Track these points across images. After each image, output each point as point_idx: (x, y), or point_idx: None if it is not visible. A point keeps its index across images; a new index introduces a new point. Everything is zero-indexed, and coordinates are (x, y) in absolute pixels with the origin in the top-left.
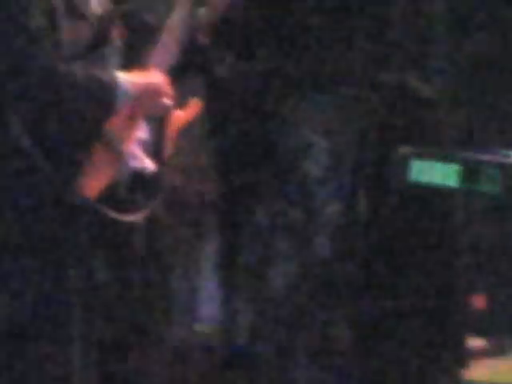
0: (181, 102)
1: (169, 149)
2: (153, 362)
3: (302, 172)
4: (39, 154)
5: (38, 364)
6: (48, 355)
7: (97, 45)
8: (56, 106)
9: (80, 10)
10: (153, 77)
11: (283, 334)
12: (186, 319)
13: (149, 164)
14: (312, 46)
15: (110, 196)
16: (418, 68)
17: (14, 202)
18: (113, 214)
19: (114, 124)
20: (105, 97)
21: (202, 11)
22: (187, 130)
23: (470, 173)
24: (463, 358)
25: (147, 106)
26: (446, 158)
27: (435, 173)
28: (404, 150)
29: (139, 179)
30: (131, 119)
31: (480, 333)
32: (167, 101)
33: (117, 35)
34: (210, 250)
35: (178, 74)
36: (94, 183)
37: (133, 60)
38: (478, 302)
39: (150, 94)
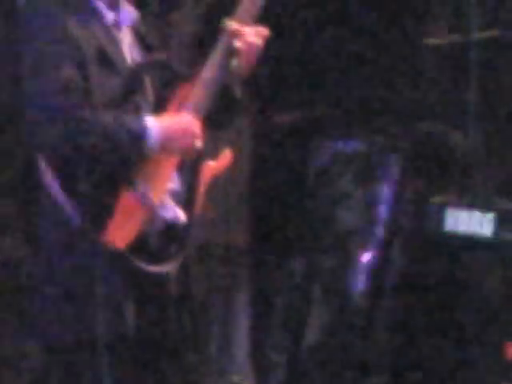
0: (212, 154)
1: (200, 200)
2: None
3: (337, 221)
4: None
5: None
6: None
7: (128, 94)
8: (85, 154)
9: (112, 61)
10: (184, 119)
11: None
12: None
13: (180, 215)
14: (345, 95)
15: (141, 246)
16: (451, 117)
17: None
18: (143, 265)
19: (144, 173)
20: (133, 146)
21: (235, 63)
22: (219, 180)
23: (506, 221)
24: None
25: (178, 147)
26: (481, 207)
27: (471, 222)
28: (438, 199)
29: (171, 230)
30: (163, 168)
31: None
32: (198, 143)
33: (149, 85)
34: (244, 299)
35: (213, 123)
36: (123, 232)
37: (165, 104)
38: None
39: (180, 135)
